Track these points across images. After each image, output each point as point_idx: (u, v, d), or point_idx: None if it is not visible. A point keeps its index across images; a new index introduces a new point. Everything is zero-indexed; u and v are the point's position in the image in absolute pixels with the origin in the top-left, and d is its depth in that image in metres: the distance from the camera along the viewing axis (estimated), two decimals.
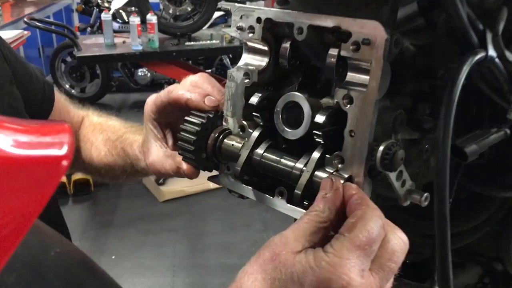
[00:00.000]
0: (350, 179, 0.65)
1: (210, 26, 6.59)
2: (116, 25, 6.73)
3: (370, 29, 0.61)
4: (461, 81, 0.55)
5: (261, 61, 0.77)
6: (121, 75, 7.34)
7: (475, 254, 0.92)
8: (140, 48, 5.38)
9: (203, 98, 0.84)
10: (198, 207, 4.67)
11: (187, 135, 0.80)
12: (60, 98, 1.21)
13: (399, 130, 0.67)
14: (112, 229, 4.37)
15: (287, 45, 0.74)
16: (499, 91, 0.66)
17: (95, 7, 7.27)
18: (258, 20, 0.73)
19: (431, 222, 0.61)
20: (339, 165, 0.67)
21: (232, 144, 0.78)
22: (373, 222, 0.56)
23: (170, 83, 6.55)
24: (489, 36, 0.60)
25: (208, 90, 0.86)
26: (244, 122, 0.78)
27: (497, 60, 0.62)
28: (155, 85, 7.18)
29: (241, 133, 0.79)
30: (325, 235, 0.60)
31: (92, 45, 5.65)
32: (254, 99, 0.76)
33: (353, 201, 0.60)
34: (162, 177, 1.01)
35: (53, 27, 6.23)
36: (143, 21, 5.40)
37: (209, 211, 4.61)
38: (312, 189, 0.68)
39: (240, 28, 0.76)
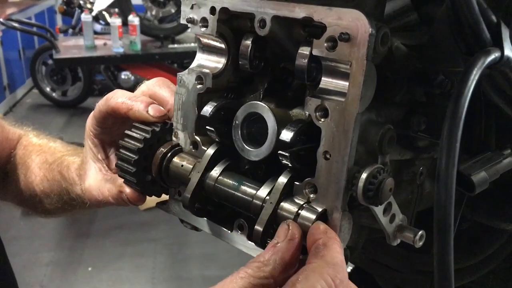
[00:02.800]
0: (323, 215, 0.51)
1: None
2: (98, 27, 6.56)
3: (350, 20, 0.47)
4: (470, 89, 0.41)
5: (217, 62, 0.62)
6: (104, 78, 7.15)
7: None
8: (121, 50, 5.31)
9: (146, 107, 0.69)
10: None
11: (127, 153, 0.66)
12: None
13: (388, 151, 0.53)
14: (90, 239, 4.22)
15: (248, 42, 0.59)
16: None
17: (77, 8, 7.07)
18: (212, 10, 0.59)
19: (427, 256, 0.46)
20: (311, 195, 0.53)
21: (182, 165, 0.64)
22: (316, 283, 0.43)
23: None
24: (505, 32, 0.46)
25: (165, 97, 0.71)
26: (197, 138, 0.64)
27: None
28: None
29: (193, 150, 0.64)
30: None
31: (71, 47, 5.55)
32: (207, 109, 0.61)
33: (314, 248, 0.48)
34: (99, 206, 0.85)
35: (35, 29, 6.04)
36: (125, 23, 5.27)
37: None
38: (277, 225, 0.53)
39: (190, 21, 0.61)
